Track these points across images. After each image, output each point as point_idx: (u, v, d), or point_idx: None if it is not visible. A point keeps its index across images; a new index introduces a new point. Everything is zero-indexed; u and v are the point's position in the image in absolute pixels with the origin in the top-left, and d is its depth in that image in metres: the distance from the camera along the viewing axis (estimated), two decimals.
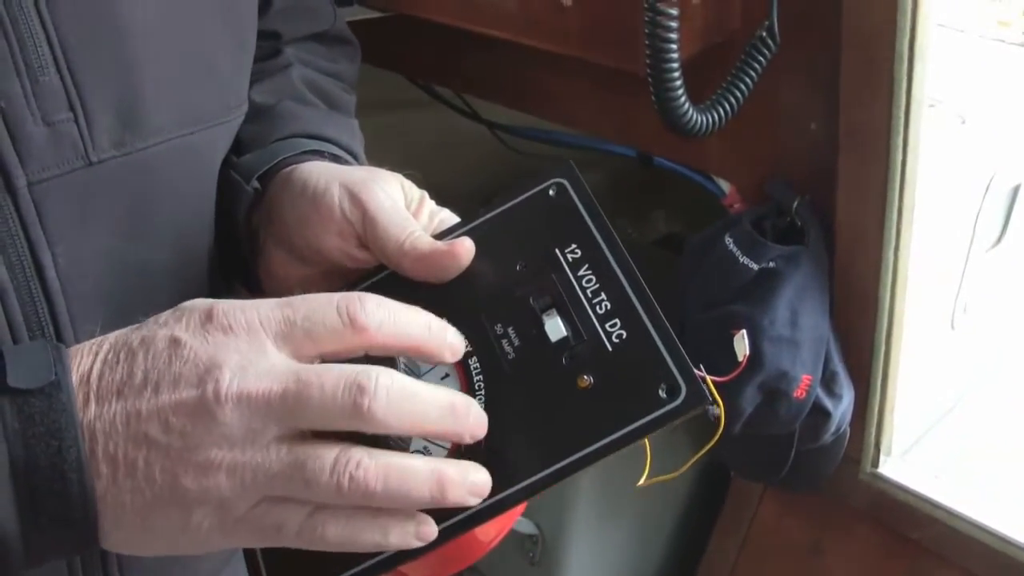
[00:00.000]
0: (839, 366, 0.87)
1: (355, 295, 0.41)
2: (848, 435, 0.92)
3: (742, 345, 0.79)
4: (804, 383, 0.84)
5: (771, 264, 0.85)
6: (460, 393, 0.43)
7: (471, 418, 0.42)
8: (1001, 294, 1.23)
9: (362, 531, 0.40)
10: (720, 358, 0.80)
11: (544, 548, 1.17)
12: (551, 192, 0.50)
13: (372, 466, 0.39)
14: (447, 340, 0.44)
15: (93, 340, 0.41)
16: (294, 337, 0.41)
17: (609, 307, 0.45)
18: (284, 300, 0.41)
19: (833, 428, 0.88)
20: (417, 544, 0.42)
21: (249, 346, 0.40)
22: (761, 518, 1.08)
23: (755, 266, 0.85)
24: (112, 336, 0.41)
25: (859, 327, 0.88)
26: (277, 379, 0.39)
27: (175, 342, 0.40)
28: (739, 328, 0.84)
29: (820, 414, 0.87)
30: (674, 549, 1.23)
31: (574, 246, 0.48)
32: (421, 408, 0.40)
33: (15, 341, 0.46)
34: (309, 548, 0.40)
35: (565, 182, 0.50)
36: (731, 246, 0.87)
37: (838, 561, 1.02)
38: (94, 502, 0.38)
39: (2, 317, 0.45)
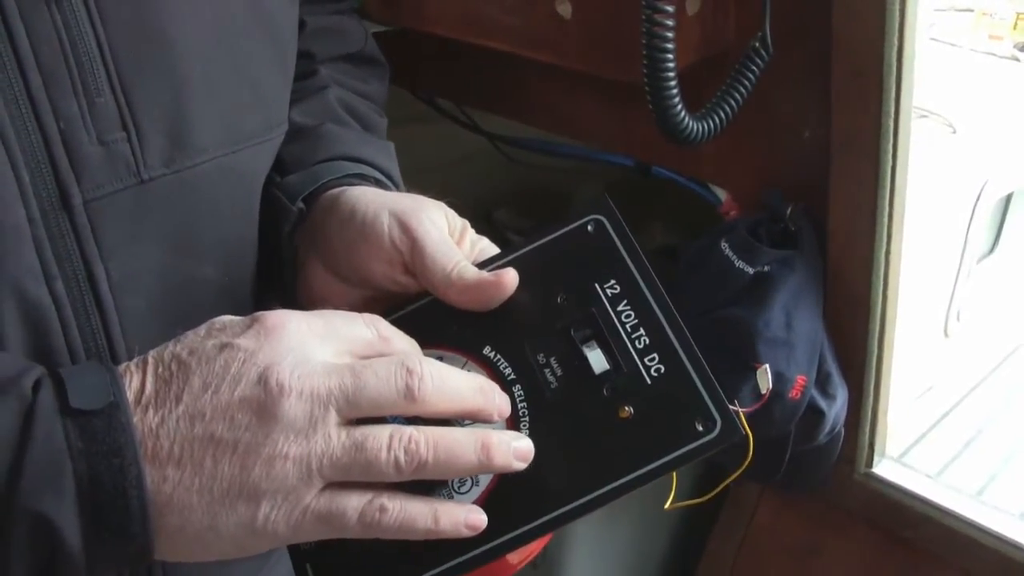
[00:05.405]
0: (833, 367, 0.88)
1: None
2: (843, 435, 0.93)
3: (765, 379, 0.81)
4: (799, 384, 0.85)
5: (766, 268, 0.87)
6: (484, 376, 0.47)
7: (496, 397, 0.46)
8: (995, 303, 1.25)
9: (415, 517, 0.43)
10: (716, 361, 0.81)
11: (545, 550, 1.19)
12: (589, 228, 0.51)
13: (422, 439, 0.42)
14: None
15: (135, 359, 0.43)
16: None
17: (648, 342, 0.47)
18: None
19: (828, 428, 0.90)
20: (467, 533, 0.44)
21: (301, 346, 0.43)
22: (759, 520, 1.09)
23: (750, 270, 0.87)
24: (153, 353, 0.43)
25: (852, 329, 0.89)
26: (334, 369, 0.42)
27: (227, 346, 0.42)
28: (736, 331, 0.86)
29: (815, 414, 0.88)
30: (673, 551, 1.25)
31: (613, 282, 0.49)
32: (458, 388, 0.44)
33: (71, 353, 0.47)
34: (367, 535, 0.42)
35: (603, 219, 0.51)
36: (727, 251, 0.89)
37: (835, 562, 1.03)
38: (152, 518, 0.40)
39: (59, 330, 0.47)
